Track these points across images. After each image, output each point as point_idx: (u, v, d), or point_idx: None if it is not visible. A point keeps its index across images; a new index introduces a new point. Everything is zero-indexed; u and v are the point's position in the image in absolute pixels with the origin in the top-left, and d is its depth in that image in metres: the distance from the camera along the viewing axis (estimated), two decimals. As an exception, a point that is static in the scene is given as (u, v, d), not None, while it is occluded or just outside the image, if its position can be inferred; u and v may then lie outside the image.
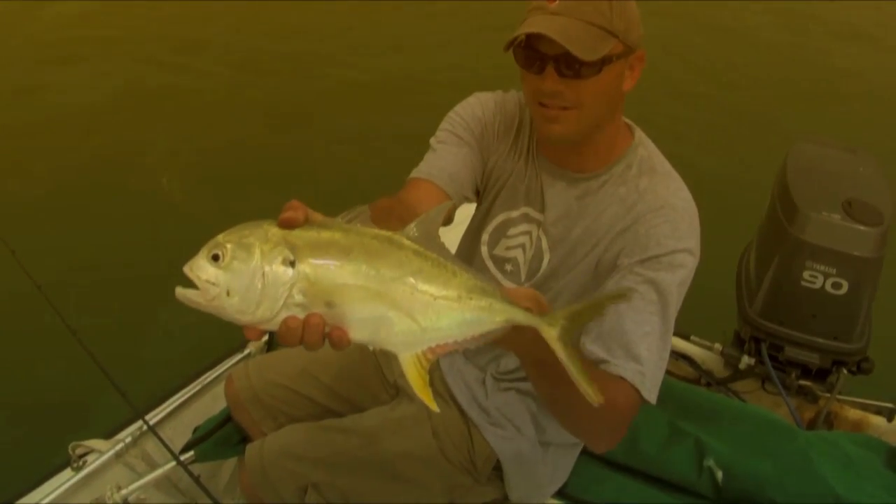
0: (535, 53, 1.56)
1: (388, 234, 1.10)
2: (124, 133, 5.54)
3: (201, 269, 1.06)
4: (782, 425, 2.26)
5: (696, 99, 6.39)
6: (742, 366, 2.69)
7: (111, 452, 2.26)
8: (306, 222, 1.08)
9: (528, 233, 1.80)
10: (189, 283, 1.07)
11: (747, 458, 2.14)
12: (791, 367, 2.61)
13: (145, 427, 2.25)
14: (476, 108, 1.83)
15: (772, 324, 2.58)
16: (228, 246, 1.06)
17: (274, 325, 1.07)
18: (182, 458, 2.14)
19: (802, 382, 2.63)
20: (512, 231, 1.82)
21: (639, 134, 1.77)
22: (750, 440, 2.19)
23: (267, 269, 1.05)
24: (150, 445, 2.32)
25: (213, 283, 1.05)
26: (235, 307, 1.06)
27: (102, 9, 7.45)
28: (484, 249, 1.86)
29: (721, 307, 2.86)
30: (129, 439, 2.30)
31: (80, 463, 2.23)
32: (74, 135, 5.49)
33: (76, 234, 4.45)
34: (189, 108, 5.96)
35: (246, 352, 2.57)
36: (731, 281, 2.83)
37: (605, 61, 1.54)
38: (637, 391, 1.51)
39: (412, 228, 1.12)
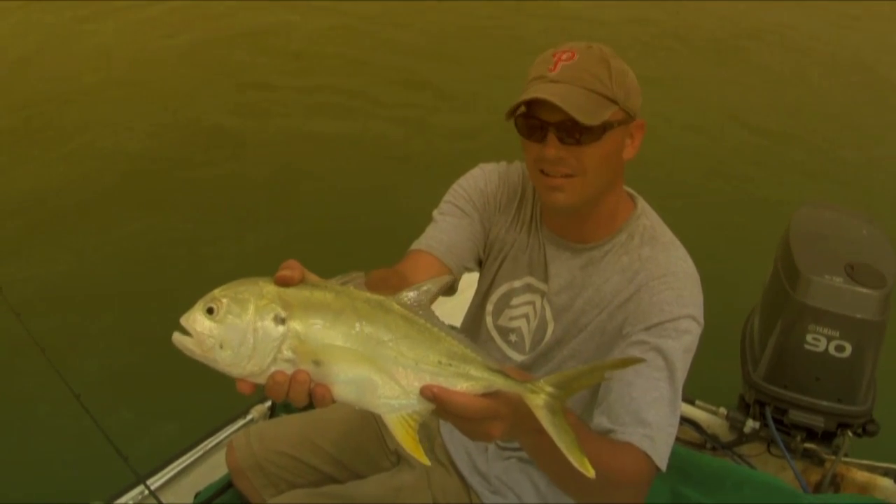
0: (536, 121, 1.58)
1: (379, 298, 1.13)
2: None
3: (196, 321, 1.10)
4: (786, 490, 2.24)
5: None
6: (747, 430, 2.67)
7: None
8: (302, 282, 1.11)
9: (532, 303, 1.81)
10: (187, 333, 1.11)
11: (750, 524, 2.12)
12: (796, 430, 2.59)
13: (147, 492, 2.24)
14: (479, 179, 1.85)
15: (776, 387, 2.56)
16: (224, 300, 1.10)
17: (263, 379, 1.10)
18: None
19: (808, 445, 2.61)
20: (515, 301, 1.83)
21: (641, 203, 1.78)
22: (753, 506, 2.18)
23: (259, 324, 1.09)
24: None
25: (208, 336, 1.09)
26: (227, 360, 1.09)
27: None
28: (489, 319, 1.87)
29: (726, 371, 2.85)
30: None
31: (82, 528, 2.23)
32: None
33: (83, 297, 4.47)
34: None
35: (248, 418, 2.58)
36: (735, 345, 2.82)
37: (605, 127, 1.56)
38: (648, 457, 1.46)
39: (405, 295, 1.14)
